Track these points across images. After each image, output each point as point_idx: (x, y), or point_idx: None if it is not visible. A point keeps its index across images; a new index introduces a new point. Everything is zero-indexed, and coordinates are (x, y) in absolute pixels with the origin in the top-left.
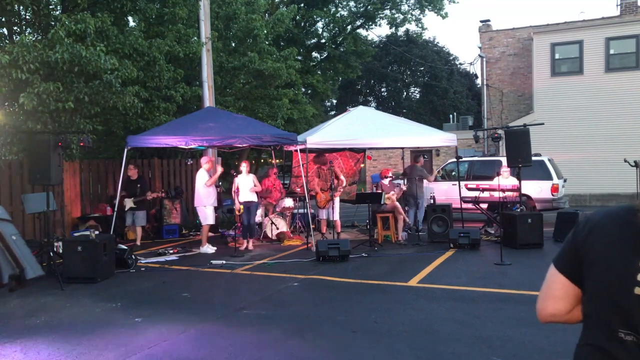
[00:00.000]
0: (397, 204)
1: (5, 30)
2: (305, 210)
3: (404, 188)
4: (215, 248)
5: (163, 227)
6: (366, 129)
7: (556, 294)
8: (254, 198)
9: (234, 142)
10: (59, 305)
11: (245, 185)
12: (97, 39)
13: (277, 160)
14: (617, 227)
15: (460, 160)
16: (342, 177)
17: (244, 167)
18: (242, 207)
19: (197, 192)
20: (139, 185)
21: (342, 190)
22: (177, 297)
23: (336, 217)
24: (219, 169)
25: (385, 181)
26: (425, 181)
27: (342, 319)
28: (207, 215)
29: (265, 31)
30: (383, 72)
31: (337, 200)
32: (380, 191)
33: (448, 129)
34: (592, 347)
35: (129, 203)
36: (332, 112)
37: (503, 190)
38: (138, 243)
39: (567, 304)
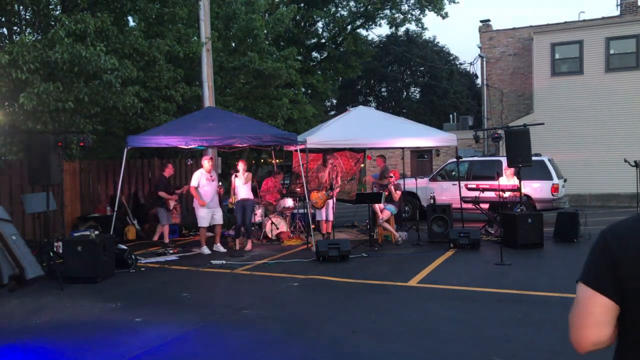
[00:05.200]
0: (376, 206)
1: (5, 30)
2: (305, 210)
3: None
4: (210, 251)
5: None
6: (366, 129)
7: (599, 318)
8: (249, 197)
9: (234, 142)
10: (59, 305)
11: (242, 185)
12: (97, 39)
13: (277, 160)
14: None
15: (460, 160)
16: (338, 179)
17: (240, 166)
18: (234, 199)
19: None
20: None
21: (337, 189)
22: (177, 297)
23: (330, 217)
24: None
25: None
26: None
27: (342, 319)
28: (199, 216)
29: (265, 31)
30: (383, 72)
31: (330, 201)
32: (379, 191)
33: (448, 129)
34: None
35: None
36: (332, 112)
37: (503, 190)
38: (166, 240)
39: (611, 329)
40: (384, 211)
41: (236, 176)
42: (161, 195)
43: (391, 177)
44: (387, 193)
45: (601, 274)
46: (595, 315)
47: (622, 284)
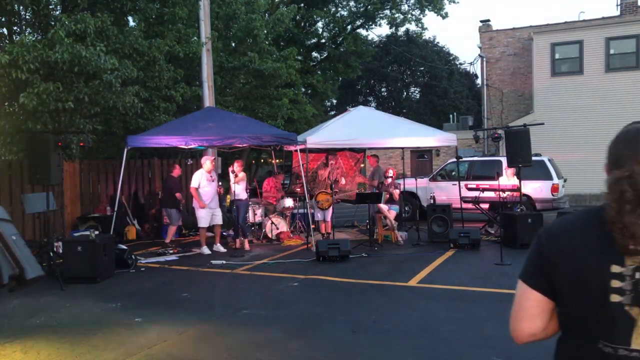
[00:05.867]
0: (381, 205)
1: (5, 30)
2: (305, 210)
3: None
4: (210, 251)
5: (163, 227)
6: (366, 129)
7: (532, 312)
8: (243, 197)
9: (234, 142)
10: (59, 305)
11: (238, 184)
12: (97, 39)
13: (277, 160)
14: (584, 234)
15: (460, 160)
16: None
17: (236, 166)
18: (228, 197)
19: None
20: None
21: (338, 193)
22: (177, 297)
23: (327, 218)
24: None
25: (387, 182)
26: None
27: (342, 319)
28: (199, 217)
29: (265, 31)
30: (383, 72)
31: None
32: (380, 191)
33: (448, 129)
34: None
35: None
36: (332, 112)
37: (503, 190)
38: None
39: (544, 321)
40: (391, 212)
41: (236, 176)
42: (178, 196)
43: (388, 178)
44: (387, 196)
45: (534, 270)
46: (528, 309)
47: (553, 278)
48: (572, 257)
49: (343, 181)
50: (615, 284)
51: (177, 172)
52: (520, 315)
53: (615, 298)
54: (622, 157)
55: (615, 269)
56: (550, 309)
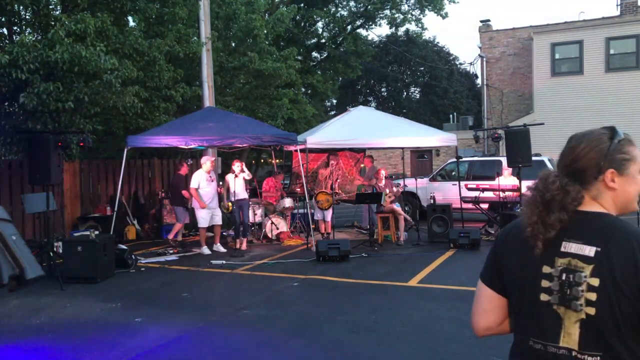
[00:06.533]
0: (394, 205)
1: (5, 30)
2: (305, 210)
3: (401, 188)
4: (210, 251)
5: (163, 227)
6: (366, 129)
7: (486, 307)
8: (245, 196)
9: (234, 142)
10: (59, 305)
11: (238, 184)
12: (97, 39)
13: (277, 160)
14: (522, 234)
15: (460, 160)
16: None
17: (237, 166)
18: (230, 204)
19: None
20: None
21: (339, 192)
22: (177, 297)
23: (328, 218)
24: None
25: (382, 182)
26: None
27: (342, 319)
28: (199, 217)
29: (265, 31)
30: (383, 72)
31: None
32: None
33: (448, 129)
34: (515, 356)
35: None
36: (332, 112)
37: (503, 190)
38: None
39: (497, 316)
40: (396, 208)
41: (236, 176)
42: (185, 194)
43: (382, 179)
44: (392, 196)
45: (488, 268)
46: (483, 304)
47: (502, 275)
48: (516, 256)
49: (337, 186)
50: (545, 283)
51: (184, 170)
52: (476, 310)
53: (544, 297)
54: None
55: (546, 269)
56: (504, 306)
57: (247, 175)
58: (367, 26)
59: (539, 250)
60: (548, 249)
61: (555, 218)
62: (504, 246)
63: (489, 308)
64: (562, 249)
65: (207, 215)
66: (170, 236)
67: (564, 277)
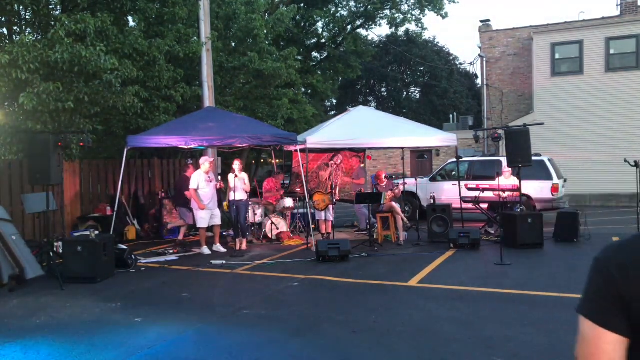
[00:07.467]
0: (394, 204)
1: (5, 30)
2: (305, 210)
3: (401, 188)
4: (210, 251)
5: (162, 227)
6: (366, 129)
7: (613, 356)
8: (243, 197)
9: (234, 142)
10: (59, 305)
11: (238, 184)
12: (97, 39)
13: (277, 160)
14: None
15: (460, 160)
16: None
17: (236, 165)
18: (225, 204)
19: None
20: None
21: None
22: (177, 297)
23: (330, 217)
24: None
25: (382, 183)
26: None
27: (342, 319)
28: (198, 217)
29: (265, 31)
30: (383, 72)
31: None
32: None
33: (448, 129)
34: None
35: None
36: (332, 112)
37: (503, 190)
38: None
39: None
40: (395, 206)
41: (236, 176)
42: (188, 195)
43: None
44: (392, 195)
45: (608, 309)
46: (609, 353)
47: (631, 317)
48: None
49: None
50: None
51: (190, 172)
52: None
53: None
54: None
55: None
56: (625, 350)
57: (247, 186)
58: (367, 26)
59: None
60: None
61: None
62: (629, 281)
63: (618, 357)
64: None
65: (207, 216)
66: (180, 237)
67: None
